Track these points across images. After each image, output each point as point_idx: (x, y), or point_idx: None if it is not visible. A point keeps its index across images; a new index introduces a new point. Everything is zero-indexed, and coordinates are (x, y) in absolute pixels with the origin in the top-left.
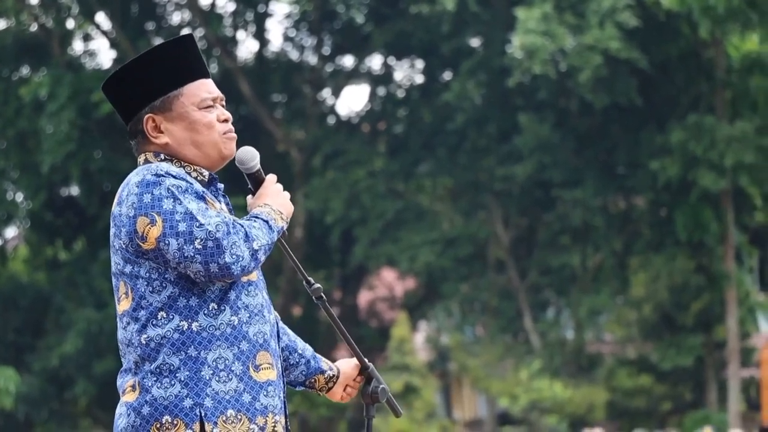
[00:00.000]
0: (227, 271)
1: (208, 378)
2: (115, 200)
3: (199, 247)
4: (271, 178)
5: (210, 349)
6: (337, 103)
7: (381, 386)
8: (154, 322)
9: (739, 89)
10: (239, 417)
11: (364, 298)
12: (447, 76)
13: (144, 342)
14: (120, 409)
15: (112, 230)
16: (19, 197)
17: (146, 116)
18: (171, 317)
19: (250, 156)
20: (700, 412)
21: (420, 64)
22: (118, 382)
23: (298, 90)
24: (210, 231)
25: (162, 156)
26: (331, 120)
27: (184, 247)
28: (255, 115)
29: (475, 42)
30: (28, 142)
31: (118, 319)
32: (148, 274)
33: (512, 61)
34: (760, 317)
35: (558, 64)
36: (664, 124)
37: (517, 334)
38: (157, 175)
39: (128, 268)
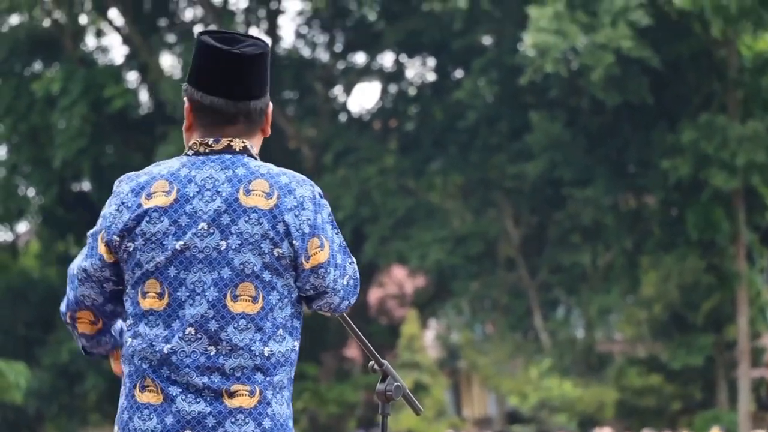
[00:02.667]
0: (347, 309)
1: (290, 400)
2: (271, 200)
3: (345, 283)
4: None
5: (293, 372)
6: (349, 100)
7: (396, 384)
8: (275, 338)
9: (751, 89)
10: None
11: (374, 295)
12: (459, 73)
13: (266, 354)
14: (219, 410)
15: (263, 230)
16: (31, 192)
17: (269, 102)
18: (284, 337)
19: None
20: (710, 412)
21: (432, 61)
22: (213, 379)
23: (309, 87)
24: (355, 270)
25: (255, 150)
26: (342, 117)
27: (338, 279)
28: None
29: (487, 40)
30: (40, 137)
31: (222, 315)
32: (282, 290)
33: (524, 59)
34: None
35: (570, 62)
36: (675, 123)
37: (527, 332)
38: (321, 196)
39: (266, 275)
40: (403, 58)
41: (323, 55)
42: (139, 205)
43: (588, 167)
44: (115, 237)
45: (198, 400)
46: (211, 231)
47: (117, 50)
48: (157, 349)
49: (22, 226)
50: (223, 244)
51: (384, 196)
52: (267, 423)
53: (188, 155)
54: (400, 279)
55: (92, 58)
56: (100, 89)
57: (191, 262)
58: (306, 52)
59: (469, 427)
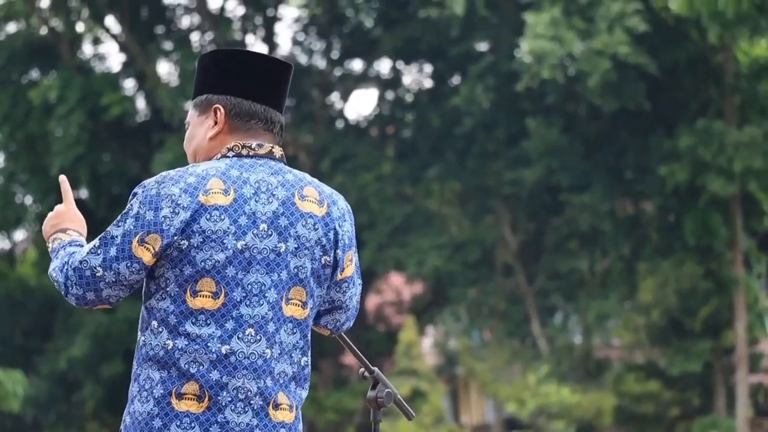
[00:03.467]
0: (346, 329)
1: None
2: (323, 208)
3: (355, 302)
4: None
5: None
6: (346, 107)
7: (386, 390)
8: (307, 349)
9: (748, 94)
10: None
11: (371, 302)
12: (455, 80)
13: (302, 364)
14: (266, 424)
15: (319, 236)
16: (29, 200)
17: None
18: (308, 349)
19: None
20: (709, 418)
21: (428, 68)
22: (267, 383)
23: (306, 94)
24: (360, 291)
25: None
26: (339, 124)
27: (353, 297)
28: None
29: (483, 46)
30: (37, 145)
31: (278, 317)
32: (318, 299)
33: (521, 65)
34: None
35: (566, 68)
36: (672, 129)
37: (525, 338)
38: (350, 209)
39: (313, 282)
40: (400, 64)
41: (320, 62)
42: (199, 203)
43: (585, 173)
44: (175, 237)
45: (246, 409)
46: (270, 233)
47: (114, 58)
48: (213, 350)
49: (20, 234)
50: (282, 247)
51: (381, 202)
52: None
53: (229, 157)
54: (398, 286)
55: (89, 66)
56: (98, 97)
57: (250, 263)
58: (303, 59)
59: None
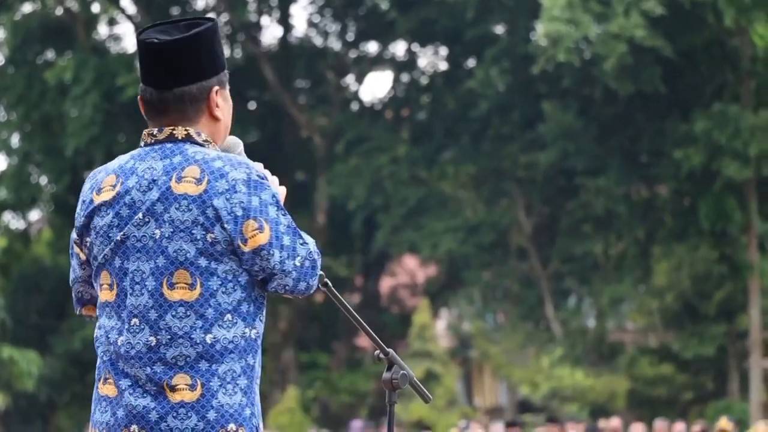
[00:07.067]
0: (309, 291)
1: (255, 387)
2: (201, 186)
3: (298, 264)
4: (258, 166)
5: (257, 357)
6: (361, 89)
7: (402, 372)
8: (220, 323)
9: (764, 78)
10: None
11: (385, 284)
12: (471, 63)
13: (209, 341)
14: (162, 405)
15: (193, 216)
16: (44, 180)
17: (214, 87)
18: (235, 322)
19: (234, 145)
20: (722, 402)
21: (444, 50)
22: (156, 369)
23: (321, 76)
24: (310, 251)
25: (203, 136)
26: (354, 106)
27: (286, 261)
28: (279, 100)
29: (499, 29)
30: (52, 125)
31: (159, 304)
32: (224, 275)
33: (536, 48)
34: None
35: (582, 52)
36: (688, 113)
37: (539, 321)
38: (261, 177)
39: (203, 261)
40: (416, 47)
41: (335, 44)
42: (92, 201)
43: (600, 157)
44: (76, 234)
45: (144, 394)
46: (147, 220)
47: (129, 39)
48: (111, 341)
49: (35, 214)
50: (158, 233)
51: (396, 185)
52: (212, 415)
53: (141, 147)
54: (412, 268)
55: (105, 47)
56: (113, 78)
57: (131, 252)
58: (318, 41)
59: (481, 416)
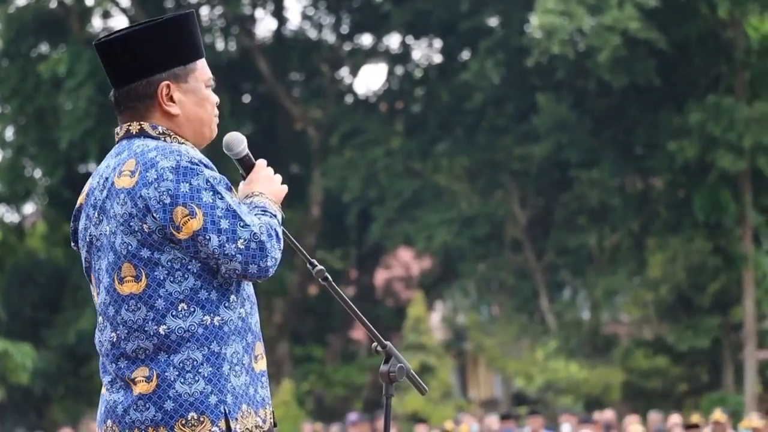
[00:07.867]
0: (265, 273)
1: (227, 374)
2: (134, 178)
3: (242, 247)
4: (261, 163)
5: (228, 344)
6: (355, 81)
7: (399, 365)
8: (174, 313)
9: (758, 70)
10: (249, 411)
11: (380, 277)
12: (465, 55)
13: (163, 333)
14: (127, 398)
15: (128, 209)
16: (38, 173)
17: (164, 82)
18: (193, 310)
19: (238, 141)
20: (717, 394)
21: (438, 43)
22: (120, 365)
23: (316, 68)
24: (254, 233)
25: (160, 129)
26: (348, 99)
27: (226, 245)
28: (273, 93)
29: (493, 21)
30: (46, 118)
31: (114, 299)
32: (170, 264)
33: (531, 40)
34: None
35: (576, 44)
36: (682, 105)
37: (533, 314)
38: (193, 163)
39: (145, 252)
40: (410, 39)
41: (329, 37)
42: (77, 205)
43: (594, 149)
44: (72, 241)
45: (119, 389)
46: (101, 218)
47: None
48: (96, 341)
49: (29, 208)
50: (107, 230)
51: (390, 177)
52: (169, 405)
53: None
54: (407, 261)
55: None
56: None
57: (95, 252)
58: (312, 33)
59: (475, 409)
